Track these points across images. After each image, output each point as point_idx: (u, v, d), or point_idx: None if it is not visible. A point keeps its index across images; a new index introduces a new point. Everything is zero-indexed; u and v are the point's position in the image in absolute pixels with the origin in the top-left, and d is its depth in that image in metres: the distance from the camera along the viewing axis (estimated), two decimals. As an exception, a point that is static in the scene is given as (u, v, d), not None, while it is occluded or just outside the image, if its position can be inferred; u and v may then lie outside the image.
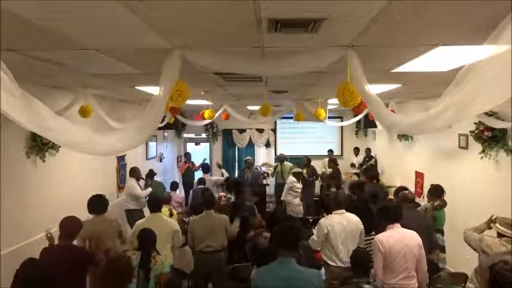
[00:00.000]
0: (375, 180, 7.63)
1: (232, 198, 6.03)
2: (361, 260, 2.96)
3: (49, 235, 3.51)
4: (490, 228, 3.58)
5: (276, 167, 9.48)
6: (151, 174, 7.30)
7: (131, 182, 6.77)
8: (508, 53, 1.47)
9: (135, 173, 6.92)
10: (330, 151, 10.61)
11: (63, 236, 3.34)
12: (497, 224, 3.35)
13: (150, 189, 6.75)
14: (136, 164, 7.77)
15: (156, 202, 4.47)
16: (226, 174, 8.57)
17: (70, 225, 3.35)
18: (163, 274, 3.24)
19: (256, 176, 8.84)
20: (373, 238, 4.51)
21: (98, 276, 2.48)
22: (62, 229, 3.35)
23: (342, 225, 3.92)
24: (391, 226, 3.43)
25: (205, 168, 8.65)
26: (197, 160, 10.06)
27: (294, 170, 8.02)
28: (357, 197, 5.54)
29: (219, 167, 9.29)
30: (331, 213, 4.12)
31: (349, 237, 3.93)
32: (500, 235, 3.29)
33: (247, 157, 10.14)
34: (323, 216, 4.82)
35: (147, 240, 3.36)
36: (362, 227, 4.06)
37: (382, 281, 3.35)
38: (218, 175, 9.12)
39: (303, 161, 9.36)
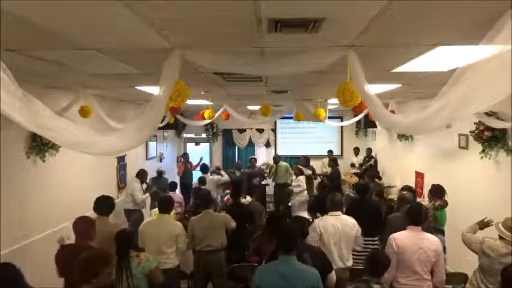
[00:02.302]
0: (376, 179, 7.71)
1: (242, 201, 6.00)
2: (380, 262, 2.95)
3: (62, 238, 3.51)
4: (481, 229, 3.58)
5: (271, 168, 9.48)
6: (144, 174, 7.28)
7: (135, 184, 6.77)
8: (504, 53, 1.47)
9: (141, 176, 6.94)
10: (330, 151, 10.60)
11: (77, 236, 3.34)
12: (500, 225, 3.32)
13: (148, 195, 6.77)
14: (137, 164, 7.80)
15: (168, 203, 4.41)
16: (226, 176, 8.57)
17: (83, 225, 3.34)
18: (152, 270, 3.24)
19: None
20: (376, 241, 4.54)
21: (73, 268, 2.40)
22: (75, 229, 3.34)
23: (335, 227, 3.89)
24: (411, 227, 3.42)
25: (204, 168, 8.66)
26: (195, 159, 10.09)
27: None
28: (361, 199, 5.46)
29: (218, 169, 9.30)
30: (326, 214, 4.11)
31: (343, 239, 3.90)
32: (501, 237, 3.27)
33: (239, 160, 10.26)
34: (316, 217, 4.82)
35: (122, 241, 3.32)
36: (358, 229, 4.03)
37: (394, 279, 3.35)
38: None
39: (301, 161, 9.36)
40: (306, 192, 7.95)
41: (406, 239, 3.35)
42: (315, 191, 9.49)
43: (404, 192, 4.76)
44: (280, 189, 8.80)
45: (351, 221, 4.03)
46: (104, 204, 4.12)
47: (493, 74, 1.56)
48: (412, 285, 3.31)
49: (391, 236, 3.44)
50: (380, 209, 5.27)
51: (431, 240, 3.39)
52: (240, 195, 5.70)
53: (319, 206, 4.49)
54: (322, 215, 4.22)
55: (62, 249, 3.32)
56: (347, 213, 4.49)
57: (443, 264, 3.45)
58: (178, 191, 8.32)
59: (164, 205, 4.35)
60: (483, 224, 3.62)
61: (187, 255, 4.76)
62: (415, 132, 5.46)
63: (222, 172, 8.83)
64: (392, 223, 4.20)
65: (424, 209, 3.71)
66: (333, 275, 3.39)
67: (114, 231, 4.16)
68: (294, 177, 8.12)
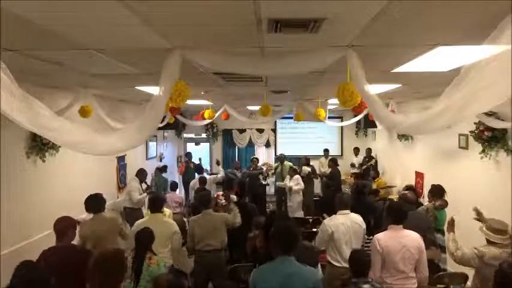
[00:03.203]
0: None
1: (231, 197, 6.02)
2: (360, 261, 2.95)
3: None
4: (453, 231, 3.52)
5: (276, 168, 9.52)
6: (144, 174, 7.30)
7: (134, 183, 6.78)
8: (508, 54, 1.47)
9: (141, 175, 6.96)
10: (326, 150, 10.56)
11: (57, 236, 3.32)
12: (484, 228, 3.29)
13: (145, 195, 6.79)
14: (137, 164, 7.80)
15: (158, 202, 4.42)
16: (221, 173, 8.59)
17: (62, 226, 3.32)
18: (160, 276, 3.23)
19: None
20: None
21: (88, 270, 2.37)
22: (55, 230, 3.33)
23: (346, 225, 3.93)
24: (392, 227, 3.42)
25: (199, 169, 8.70)
26: (195, 159, 10.13)
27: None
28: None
29: (218, 163, 9.35)
30: (333, 214, 4.12)
31: (354, 237, 3.94)
32: (490, 241, 3.24)
33: (238, 160, 10.27)
34: (323, 218, 4.82)
35: (143, 241, 3.32)
36: (365, 227, 4.07)
37: (380, 280, 3.35)
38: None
39: (301, 162, 9.36)
40: (301, 192, 8.01)
41: (390, 239, 3.34)
42: (315, 191, 9.53)
43: (406, 192, 4.75)
44: (283, 188, 8.82)
45: (359, 218, 4.06)
46: (95, 203, 4.13)
47: (497, 74, 1.56)
48: (398, 285, 3.30)
49: (375, 237, 3.43)
50: (377, 207, 5.29)
51: (412, 237, 3.38)
52: (244, 195, 5.69)
53: (326, 206, 4.49)
54: (329, 215, 4.23)
55: (44, 252, 3.31)
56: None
57: (426, 260, 3.43)
58: (179, 190, 8.35)
59: (155, 204, 4.35)
60: (451, 227, 3.57)
61: (185, 255, 4.76)
62: (417, 133, 5.46)
63: (220, 168, 8.87)
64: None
65: (403, 208, 3.67)
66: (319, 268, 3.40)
67: (113, 225, 4.19)
68: (288, 178, 8.14)
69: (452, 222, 3.61)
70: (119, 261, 2.40)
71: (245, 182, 7.50)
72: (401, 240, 3.32)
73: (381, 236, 3.40)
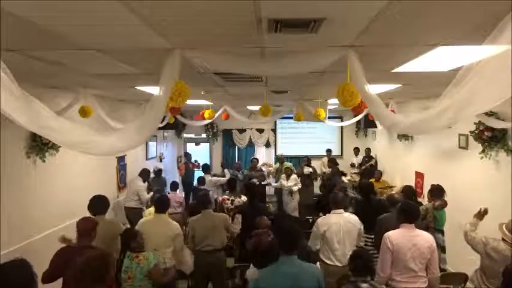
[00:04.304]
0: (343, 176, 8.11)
1: (236, 200, 5.99)
2: (361, 260, 2.95)
3: (65, 238, 3.54)
4: (481, 219, 3.62)
5: (277, 169, 9.51)
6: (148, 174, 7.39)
7: (140, 182, 6.92)
8: (507, 53, 1.47)
9: (144, 174, 7.11)
10: (329, 151, 10.59)
11: (79, 236, 3.34)
12: (503, 227, 3.32)
13: (152, 194, 6.90)
14: (137, 164, 7.81)
15: (164, 203, 4.41)
16: (228, 175, 8.56)
17: (86, 226, 3.35)
18: (153, 268, 3.27)
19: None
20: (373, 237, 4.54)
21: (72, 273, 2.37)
22: (79, 229, 3.35)
23: (339, 224, 3.94)
24: (405, 225, 3.43)
25: (205, 168, 8.68)
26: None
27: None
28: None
29: (223, 166, 9.33)
30: (328, 213, 4.13)
31: (347, 236, 3.94)
32: (503, 239, 3.28)
33: (239, 161, 10.32)
34: (319, 217, 4.82)
35: (125, 241, 3.39)
36: (360, 226, 4.06)
37: (389, 277, 3.36)
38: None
39: (303, 161, 9.36)
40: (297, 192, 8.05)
41: (401, 237, 3.36)
42: (315, 191, 9.51)
43: (394, 193, 4.76)
44: (280, 188, 8.82)
45: (353, 218, 4.06)
46: (99, 205, 4.12)
47: (497, 74, 1.56)
48: (407, 282, 3.32)
49: (386, 234, 3.45)
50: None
51: (424, 237, 3.41)
52: (255, 197, 5.66)
53: (321, 206, 4.50)
54: (325, 215, 4.23)
55: (62, 249, 3.32)
56: (356, 213, 4.49)
57: (437, 260, 3.45)
58: (179, 190, 8.36)
59: (161, 205, 4.35)
60: (481, 216, 3.64)
61: (186, 255, 4.76)
62: (417, 133, 5.46)
63: (226, 171, 8.83)
64: (382, 223, 4.19)
65: (417, 207, 3.70)
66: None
67: (114, 229, 4.19)
68: (284, 180, 8.11)
69: (484, 212, 3.65)
70: (97, 265, 2.39)
71: (251, 184, 7.44)
72: (413, 239, 3.35)
73: (392, 234, 3.42)
